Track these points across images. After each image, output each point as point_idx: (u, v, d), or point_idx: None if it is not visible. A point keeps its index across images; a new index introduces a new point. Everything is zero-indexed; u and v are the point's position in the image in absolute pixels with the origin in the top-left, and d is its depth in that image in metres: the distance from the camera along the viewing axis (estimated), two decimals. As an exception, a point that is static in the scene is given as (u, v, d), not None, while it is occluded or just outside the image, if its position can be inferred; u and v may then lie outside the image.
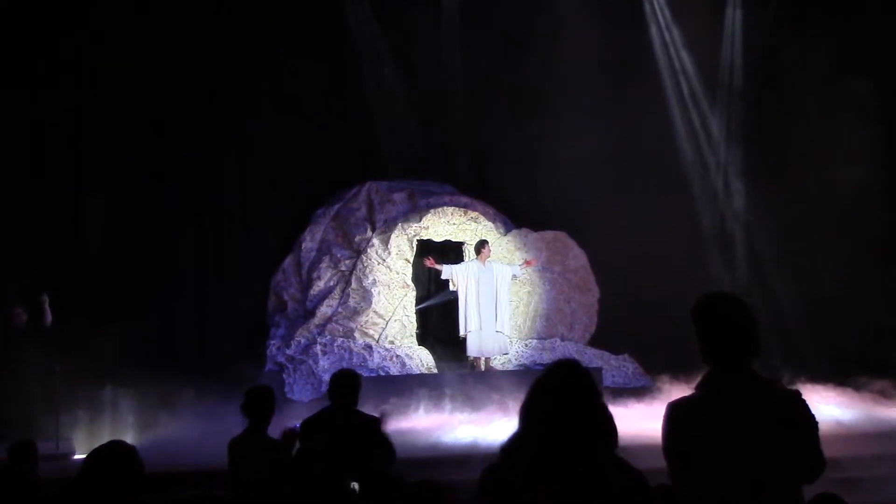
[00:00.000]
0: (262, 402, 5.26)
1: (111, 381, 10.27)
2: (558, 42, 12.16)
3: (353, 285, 11.82)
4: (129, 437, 9.32)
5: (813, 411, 3.01)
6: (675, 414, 3.06)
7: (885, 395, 10.60)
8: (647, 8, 13.32)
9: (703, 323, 3.11)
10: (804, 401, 3.02)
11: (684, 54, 13.26)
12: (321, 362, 11.28)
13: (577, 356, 10.95)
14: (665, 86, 13.30)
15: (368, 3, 12.72)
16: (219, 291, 11.91)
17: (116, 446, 3.15)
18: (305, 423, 5.42)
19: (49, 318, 9.82)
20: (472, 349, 11.65)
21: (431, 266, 11.69)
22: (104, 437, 9.64)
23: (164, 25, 11.55)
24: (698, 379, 3.10)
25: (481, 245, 11.71)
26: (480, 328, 11.52)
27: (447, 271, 11.68)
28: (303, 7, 12.11)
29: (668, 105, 13.30)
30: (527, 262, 11.93)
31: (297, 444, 5.13)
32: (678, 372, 10.70)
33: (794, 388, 3.13)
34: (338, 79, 12.56)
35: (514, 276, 11.91)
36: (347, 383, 5.46)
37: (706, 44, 13.21)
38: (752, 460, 2.91)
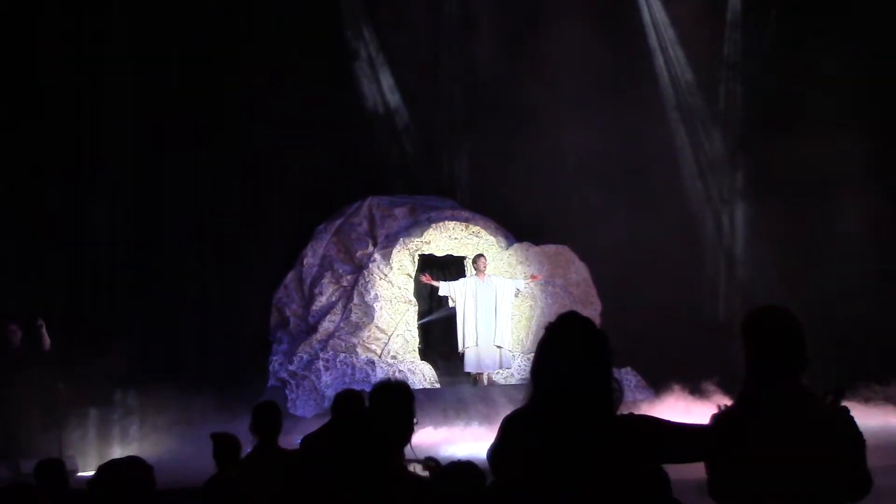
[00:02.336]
0: (269, 418, 5.23)
1: (114, 398, 10.27)
2: (559, 55, 12.20)
3: (355, 300, 11.81)
4: (132, 453, 9.30)
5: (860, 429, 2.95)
6: (721, 427, 2.95)
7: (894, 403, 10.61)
8: (647, 21, 13.36)
9: (754, 336, 3.01)
10: (852, 417, 2.95)
11: (683, 66, 13.31)
12: (324, 378, 11.26)
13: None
14: (665, 98, 13.34)
15: (367, 19, 12.78)
16: (221, 307, 11.90)
17: (132, 462, 3.12)
18: (306, 440, 5.36)
19: (47, 342, 9.53)
20: (470, 365, 11.66)
21: (428, 282, 11.76)
22: (106, 454, 9.66)
23: (166, 43, 11.59)
24: (736, 391, 3.01)
25: (477, 259, 11.72)
26: (477, 344, 11.52)
27: (445, 287, 11.70)
28: (302, 23, 12.15)
29: (668, 118, 13.34)
30: (532, 277, 11.94)
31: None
32: (681, 385, 10.72)
33: (842, 404, 3.06)
34: (338, 94, 12.59)
35: (518, 291, 11.90)
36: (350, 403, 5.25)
37: (706, 55, 13.27)
38: (801, 477, 2.85)
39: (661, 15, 13.31)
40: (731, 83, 13.43)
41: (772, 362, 2.97)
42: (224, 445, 5.24)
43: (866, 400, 10.65)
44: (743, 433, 2.89)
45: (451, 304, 11.77)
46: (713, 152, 13.49)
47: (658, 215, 12.54)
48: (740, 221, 13.37)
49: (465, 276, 12.12)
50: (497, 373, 11.83)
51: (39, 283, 10.78)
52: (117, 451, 9.70)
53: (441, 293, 11.79)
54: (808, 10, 12.83)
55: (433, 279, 11.82)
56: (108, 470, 3.04)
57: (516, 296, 11.92)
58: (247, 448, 5.59)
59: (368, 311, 11.74)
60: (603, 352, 2.80)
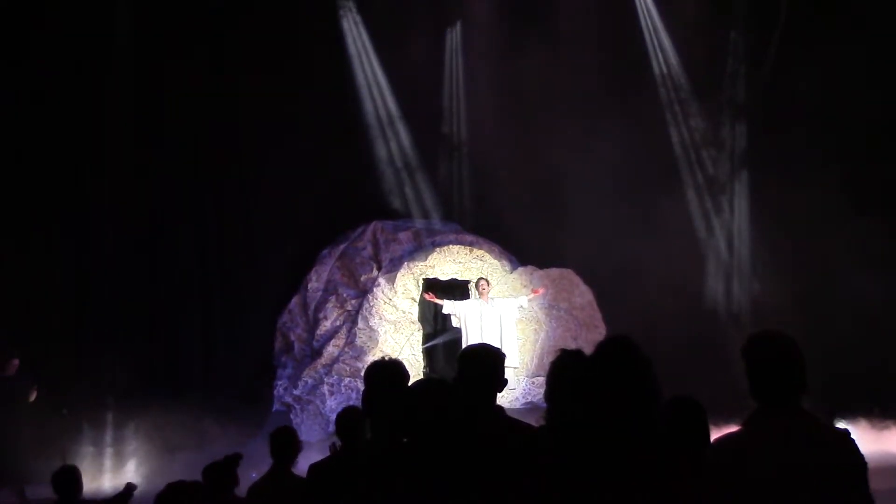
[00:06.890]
0: (289, 444, 5.27)
1: (116, 422, 10.22)
2: (561, 71, 12.29)
3: (360, 325, 11.79)
4: (134, 481, 9.25)
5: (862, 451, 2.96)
6: (722, 452, 2.97)
7: None
8: (647, 35, 13.49)
9: (755, 360, 3.05)
10: (854, 440, 2.97)
11: (683, 79, 13.41)
12: (328, 402, 11.23)
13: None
14: (667, 117, 13.42)
15: (370, 41, 12.88)
16: (225, 332, 11.86)
17: (196, 486, 3.23)
18: (314, 468, 5.28)
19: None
20: (476, 385, 11.57)
21: (431, 300, 11.70)
22: (108, 479, 9.61)
23: (169, 64, 11.62)
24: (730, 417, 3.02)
25: (479, 283, 11.72)
26: None
27: (448, 306, 11.68)
28: (305, 45, 12.22)
29: (671, 137, 13.38)
30: (535, 292, 11.93)
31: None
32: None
33: (843, 427, 3.07)
34: (341, 117, 12.64)
35: (522, 307, 11.88)
36: (352, 420, 5.25)
37: (707, 68, 13.36)
38: (803, 501, 2.85)
39: (659, 28, 13.44)
40: (734, 98, 13.51)
41: (772, 386, 2.99)
42: (218, 473, 5.24)
43: (872, 424, 10.62)
44: (745, 458, 2.89)
45: (454, 322, 11.74)
46: (717, 170, 13.53)
47: (664, 236, 12.51)
48: (747, 239, 13.36)
49: (469, 299, 12.11)
50: (501, 396, 11.75)
51: (43, 304, 10.72)
52: (118, 476, 9.67)
53: (444, 311, 11.78)
54: (809, 14, 12.87)
55: (436, 298, 11.80)
56: (173, 492, 3.15)
57: (521, 309, 11.86)
58: (252, 473, 5.57)
59: (373, 336, 11.73)
60: (645, 370, 2.84)
